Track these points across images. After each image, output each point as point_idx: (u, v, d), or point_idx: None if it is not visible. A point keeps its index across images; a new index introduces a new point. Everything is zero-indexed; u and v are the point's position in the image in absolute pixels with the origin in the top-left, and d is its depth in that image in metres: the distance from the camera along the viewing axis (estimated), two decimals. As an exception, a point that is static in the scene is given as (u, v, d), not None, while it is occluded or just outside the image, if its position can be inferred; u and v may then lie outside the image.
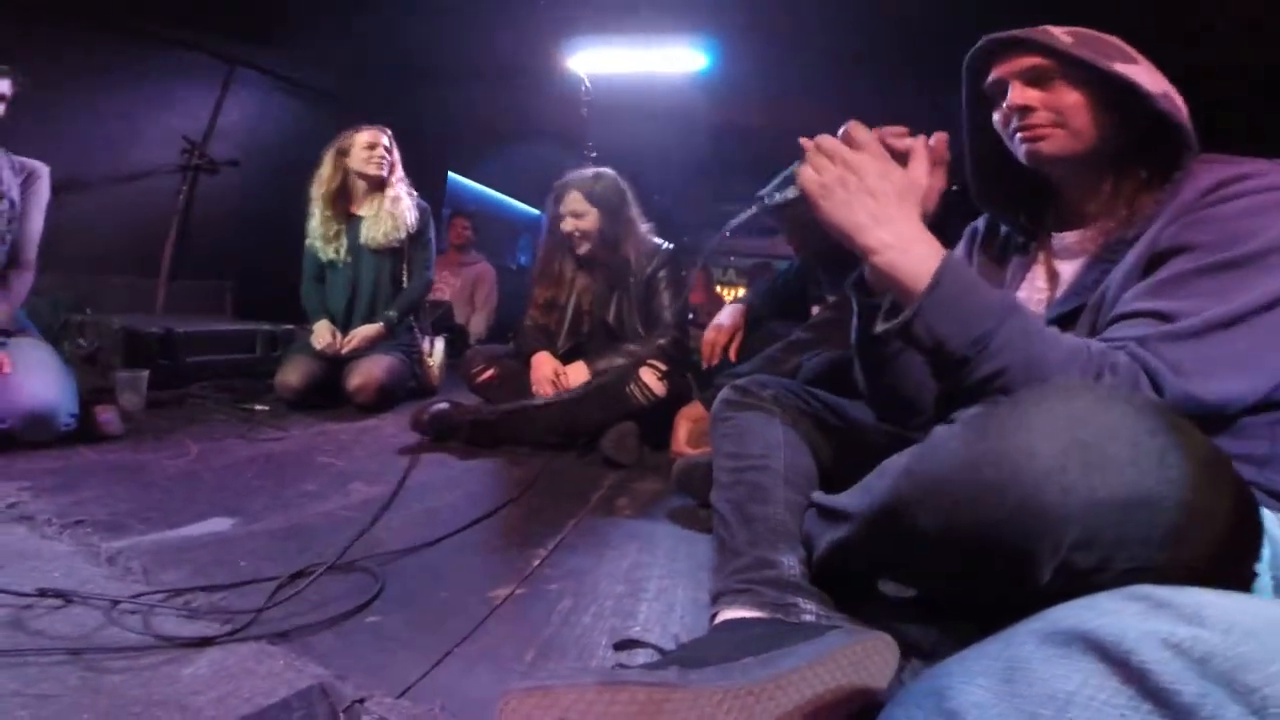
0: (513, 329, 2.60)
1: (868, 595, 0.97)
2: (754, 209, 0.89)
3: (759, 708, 0.63)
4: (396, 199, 2.62)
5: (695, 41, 3.23)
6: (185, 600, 0.95)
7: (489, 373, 2.29)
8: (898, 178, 0.77)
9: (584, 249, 2.26)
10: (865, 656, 0.70)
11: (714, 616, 0.87)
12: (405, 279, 2.71)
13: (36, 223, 1.91)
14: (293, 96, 3.77)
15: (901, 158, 0.80)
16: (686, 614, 1.05)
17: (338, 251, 2.61)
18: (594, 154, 3.88)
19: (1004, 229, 1.05)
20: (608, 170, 2.31)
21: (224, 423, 2.11)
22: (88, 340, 2.44)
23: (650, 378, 2.07)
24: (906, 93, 2.79)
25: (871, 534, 0.77)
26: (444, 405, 2.07)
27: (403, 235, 2.63)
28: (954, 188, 0.90)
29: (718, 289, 7.69)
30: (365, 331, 2.56)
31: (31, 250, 1.91)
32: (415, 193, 2.73)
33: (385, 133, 2.62)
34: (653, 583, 1.16)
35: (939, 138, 0.82)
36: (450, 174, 5.28)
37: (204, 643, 0.83)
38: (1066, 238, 0.94)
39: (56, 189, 1.98)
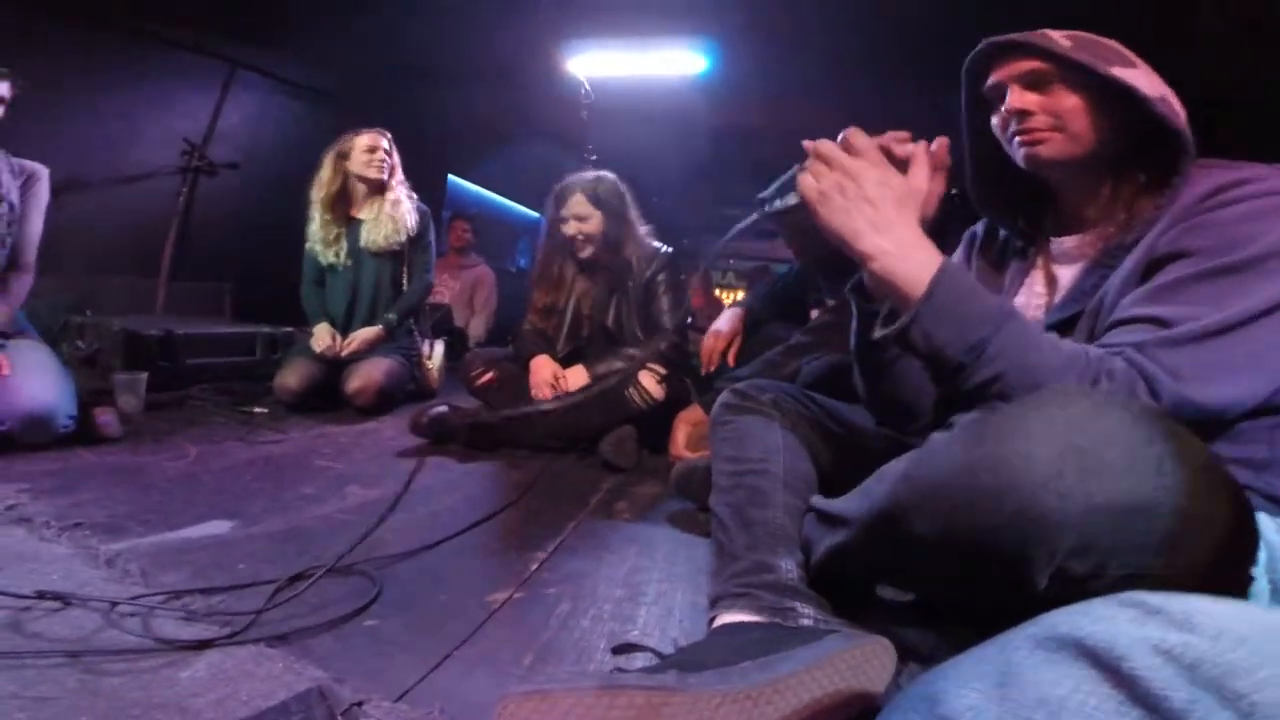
0: (512, 332, 2.60)
1: (866, 599, 0.97)
2: (755, 215, 0.89)
3: (757, 712, 0.63)
4: (397, 202, 2.63)
5: (694, 44, 3.24)
6: (184, 603, 0.95)
7: (488, 376, 2.29)
8: (897, 184, 0.77)
9: (587, 252, 2.25)
10: (863, 661, 0.70)
11: (712, 620, 0.87)
12: (405, 282, 2.71)
13: (36, 225, 1.91)
14: (293, 98, 3.78)
15: (902, 164, 0.80)
16: (685, 618, 1.05)
17: (338, 255, 2.61)
18: (594, 157, 3.89)
19: (1003, 234, 1.05)
20: (607, 173, 2.31)
21: (223, 425, 2.11)
22: (86, 342, 2.44)
23: (649, 381, 2.07)
24: (907, 93, 2.80)
25: (869, 539, 0.78)
26: (443, 408, 2.07)
27: (403, 238, 2.63)
28: (953, 192, 0.91)
29: (717, 292, 7.71)
30: (365, 334, 2.56)
31: (31, 253, 1.91)
32: (415, 195, 2.74)
33: (385, 136, 2.63)
34: (651, 586, 1.16)
35: (940, 143, 0.82)
36: (450, 176, 5.29)
37: (203, 645, 0.83)
38: (1065, 243, 0.94)
39: (56, 190, 1.98)
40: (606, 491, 1.74)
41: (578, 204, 2.21)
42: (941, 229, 0.81)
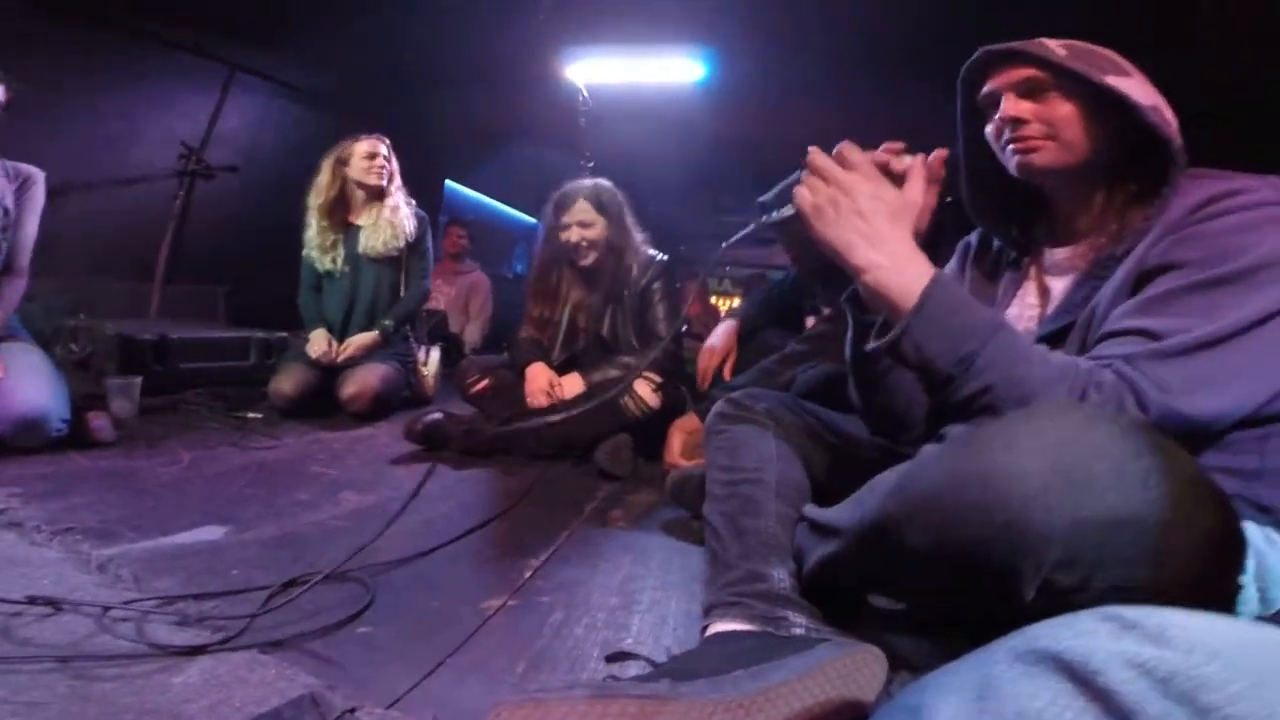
0: (507, 339, 2.60)
1: (858, 608, 0.97)
2: (754, 225, 0.90)
3: (749, 720, 0.63)
4: (395, 208, 2.63)
5: (693, 52, 3.26)
6: (177, 608, 0.95)
7: (483, 383, 2.28)
8: (890, 198, 0.78)
9: (589, 259, 2.23)
10: (854, 669, 0.71)
11: (705, 629, 0.87)
12: (404, 288, 2.71)
13: (31, 229, 1.91)
14: (292, 101, 3.78)
15: (899, 178, 0.81)
16: (679, 626, 1.05)
17: (334, 261, 2.61)
18: (591, 164, 3.90)
19: (997, 244, 1.06)
20: (604, 180, 2.31)
21: (217, 430, 2.10)
22: (80, 346, 2.43)
23: (644, 390, 2.07)
24: (907, 93, 2.80)
25: (860, 549, 0.78)
26: (438, 415, 2.07)
27: (401, 244, 2.63)
28: (949, 200, 0.91)
29: (713, 299, 7.73)
30: (361, 340, 2.56)
31: (25, 257, 1.91)
32: (414, 201, 2.74)
33: (384, 142, 2.64)
34: (646, 595, 1.16)
35: (937, 155, 0.83)
36: (447, 181, 5.30)
37: (196, 651, 0.83)
38: (1057, 254, 0.95)
39: (52, 192, 1.97)
40: (601, 499, 1.74)
41: (582, 210, 2.20)
42: (935, 239, 0.82)
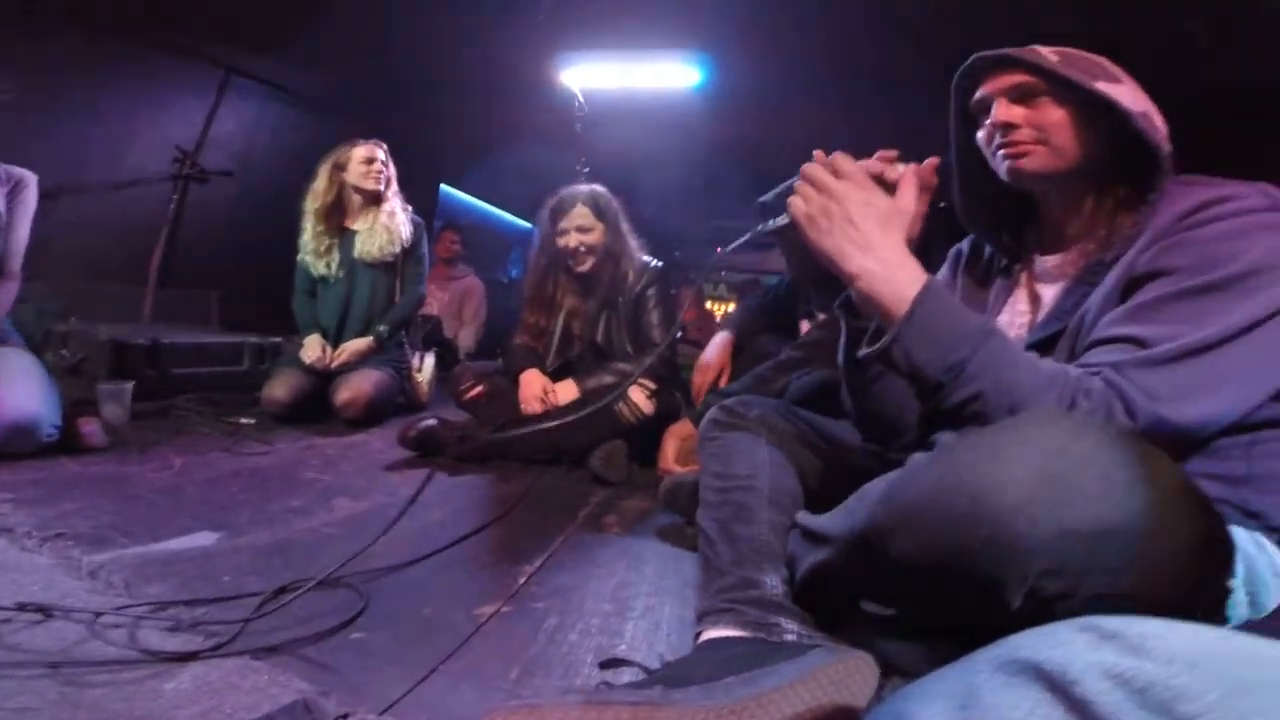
0: (502, 344, 2.60)
1: (850, 614, 0.98)
2: (750, 233, 0.92)
3: (741, 727, 0.64)
4: (392, 213, 2.63)
5: (689, 57, 3.27)
6: (168, 614, 0.94)
7: (477, 389, 2.28)
8: (883, 205, 0.79)
9: (587, 265, 2.23)
10: (846, 675, 0.71)
11: (698, 635, 0.87)
12: (399, 294, 2.71)
13: (23, 233, 1.90)
14: (288, 105, 3.78)
15: (891, 187, 0.82)
16: (673, 632, 1.05)
17: (329, 266, 2.61)
18: (586, 169, 3.90)
19: (988, 251, 1.06)
20: (599, 185, 2.32)
21: (209, 436, 2.09)
22: (72, 350, 2.42)
23: (639, 396, 2.07)
24: (906, 93, 2.81)
25: (851, 557, 0.78)
26: (432, 421, 2.07)
27: (397, 249, 2.63)
28: (941, 205, 0.92)
29: (709, 304, 7.74)
30: (355, 346, 2.56)
31: (17, 261, 1.90)
32: (410, 207, 2.74)
33: (381, 147, 2.64)
34: (640, 601, 1.16)
35: (928, 162, 0.83)
36: (442, 185, 5.29)
37: (187, 657, 0.82)
38: (1048, 260, 0.96)
39: (46, 195, 1.97)
40: (596, 505, 1.74)
41: (580, 215, 2.20)
42: (927, 246, 0.83)
